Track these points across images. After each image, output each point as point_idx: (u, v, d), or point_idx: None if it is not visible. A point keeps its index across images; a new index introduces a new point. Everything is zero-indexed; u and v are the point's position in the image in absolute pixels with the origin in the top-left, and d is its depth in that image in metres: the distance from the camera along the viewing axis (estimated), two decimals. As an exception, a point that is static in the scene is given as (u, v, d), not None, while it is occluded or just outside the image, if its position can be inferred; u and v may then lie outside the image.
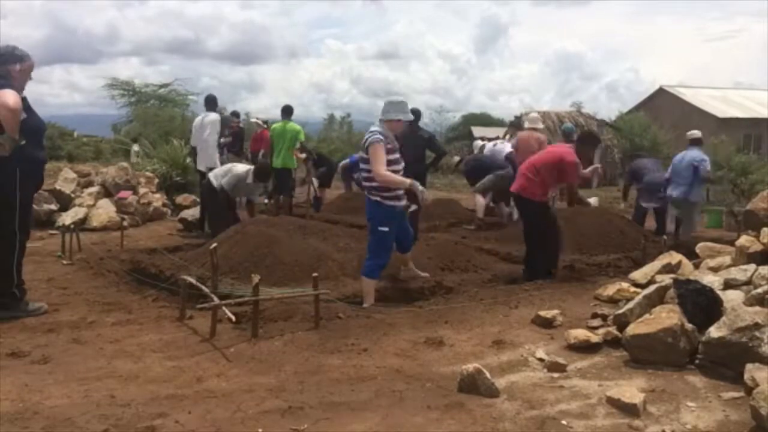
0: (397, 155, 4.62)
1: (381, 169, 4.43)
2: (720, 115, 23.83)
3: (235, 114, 12.12)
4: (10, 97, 3.70)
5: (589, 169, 5.75)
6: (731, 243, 4.62)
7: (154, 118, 18.26)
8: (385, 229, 4.58)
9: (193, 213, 8.36)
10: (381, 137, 4.48)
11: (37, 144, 4.06)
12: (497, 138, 12.99)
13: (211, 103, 8.40)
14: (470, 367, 2.95)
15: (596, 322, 3.90)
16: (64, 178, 8.81)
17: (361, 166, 4.70)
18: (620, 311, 3.73)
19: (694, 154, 7.46)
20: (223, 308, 3.84)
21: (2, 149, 3.73)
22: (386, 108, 4.62)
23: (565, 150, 5.67)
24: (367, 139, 4.53)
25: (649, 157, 10.02)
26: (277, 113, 9.15)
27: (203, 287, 4.14)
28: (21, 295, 4.15)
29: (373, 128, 4.60)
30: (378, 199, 4.56)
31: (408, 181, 4.53)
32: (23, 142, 3.83)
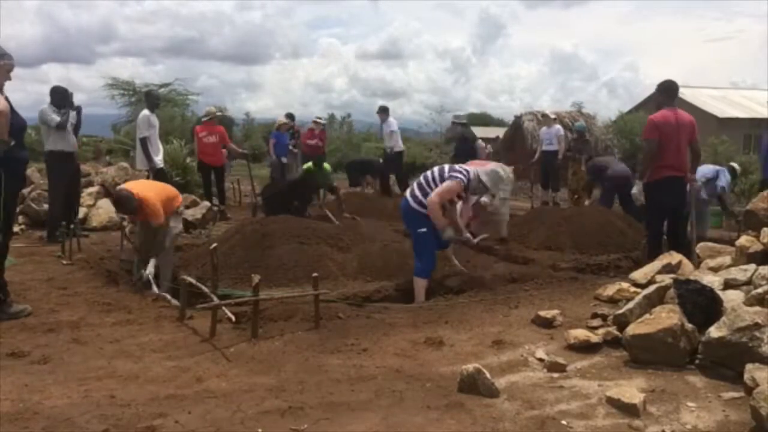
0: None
1: (437, 200, 4.72)
2: (720, 115, 23.82)
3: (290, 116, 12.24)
4: None
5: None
6: (731, 243, 4.62)
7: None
8: (424, 229, 4.79)
9: (193, 213, 8.35)
10: (465, 182, 4.79)
11: (19, 144, 4.03)
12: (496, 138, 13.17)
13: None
14: (470, 367, 2.95)
15: (596, 322, 3.89)
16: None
17: (421, 179, 4.97)
18: (620, 311, 3.73)
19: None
20: (223, 308, 3.84)
21: None
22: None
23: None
24: (452, 175, 4.82)
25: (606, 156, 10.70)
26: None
27: (203, 287, 4.14)
28: (5, 297, 4.10)
29: (464, 168, 4.92)
30: (421, 210, 4.81)
31: (446, 230, 4.81)
32: (12, 143, 3.81)
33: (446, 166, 5.00)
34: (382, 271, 5.42)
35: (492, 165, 4.89)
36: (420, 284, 4.86)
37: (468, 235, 5.24)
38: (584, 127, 11.61)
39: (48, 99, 6.99)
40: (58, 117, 6.79)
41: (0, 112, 3.66)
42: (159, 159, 7.96)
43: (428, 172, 5.01)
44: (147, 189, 5.01)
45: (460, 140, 10.76)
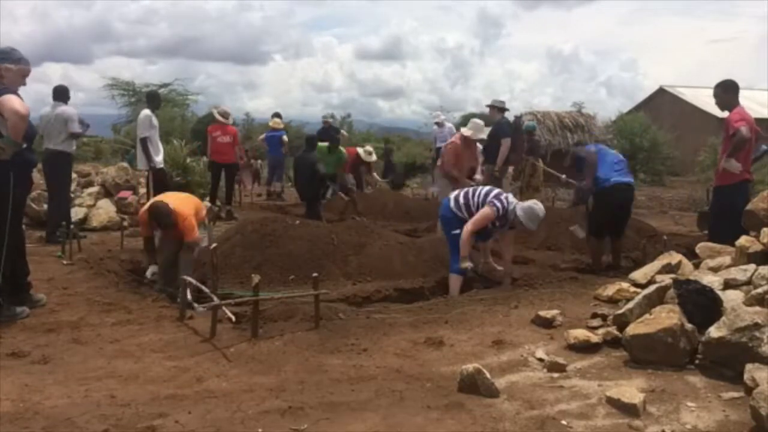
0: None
1: (471, 228, 4.97)
2: (720, 115, 23.81)
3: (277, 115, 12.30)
4: (18, 103, 3.71)
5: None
6: (731, 243, 4.62)
7: (154, 118, 18.22)
8: (457, 231, 5.01)
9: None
10: (499, 212, 4.99)
11: (28, 148, 4.07)
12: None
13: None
14: (470, 367, 2.95)
15: (596, 322, 3.90)
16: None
17: (468, 192, 5.22)
18: (620, 311, 3.73)
19: None
20: (223, 308, 3.84)
21: (3, 153, 3.72)
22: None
23: None
24: (492, 201, 5.02)
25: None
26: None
27: (203, 287, 4.14)
28: (29, 288, 4.24)
29: (506, 198, 5.10)
30: (458, 214, 5.08)
31: (464, 261, 4.98)
32: (24, 146, 3.84)
33: (492, 191, 5.15)
34: (382, 272, 5.42)
35: (530, 201, 5.08)
36: (455, 281, 5.03)
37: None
38: (534, 126, 11.89)
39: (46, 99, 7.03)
40: (80, 129, 6.94)
41: (22, 115, 3.69)
42: (159, 159, 7.96)
43: (478, 189, 5.26)
44: (182, 203, 4.87)
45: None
